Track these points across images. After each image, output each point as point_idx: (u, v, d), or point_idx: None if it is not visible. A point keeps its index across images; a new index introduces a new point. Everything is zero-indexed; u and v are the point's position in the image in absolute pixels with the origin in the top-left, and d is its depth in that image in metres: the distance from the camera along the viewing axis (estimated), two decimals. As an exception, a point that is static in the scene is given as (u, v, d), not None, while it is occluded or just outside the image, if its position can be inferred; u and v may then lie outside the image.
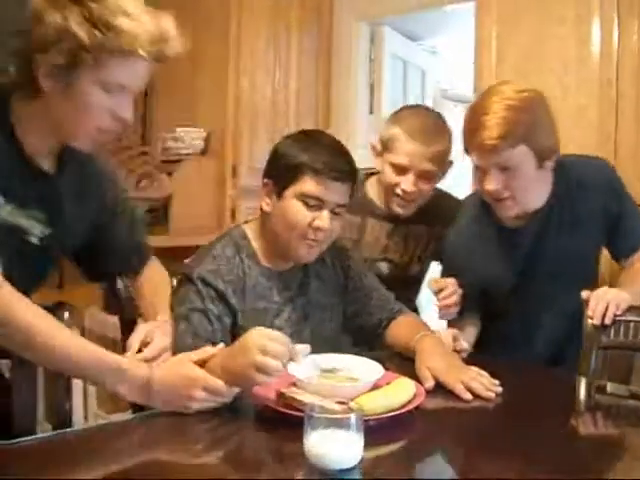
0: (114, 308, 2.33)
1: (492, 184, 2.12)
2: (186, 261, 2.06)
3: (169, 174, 4.26)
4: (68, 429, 1.71)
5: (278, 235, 1.98)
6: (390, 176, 2.42)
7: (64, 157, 1.76)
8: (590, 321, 2.09)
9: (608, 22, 3.16)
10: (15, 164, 1.64)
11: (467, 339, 2.31)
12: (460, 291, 2.27)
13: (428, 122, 2.41)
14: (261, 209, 2.03)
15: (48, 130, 1.65)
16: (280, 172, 1.97)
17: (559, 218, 2.25)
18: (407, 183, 2.37)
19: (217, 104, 4.36)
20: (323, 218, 1.93)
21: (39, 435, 1.62)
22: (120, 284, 2.17)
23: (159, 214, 4.26)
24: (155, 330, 1.79)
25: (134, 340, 1.75)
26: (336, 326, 2.15)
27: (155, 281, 2.08)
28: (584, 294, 2.11)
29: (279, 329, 1.89)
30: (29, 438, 1.52)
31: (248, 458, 1.49)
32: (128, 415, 1.94)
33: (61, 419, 1.78)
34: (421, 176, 2.37)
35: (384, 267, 2.57)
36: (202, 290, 1.90)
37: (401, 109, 2.58)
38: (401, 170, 2.38)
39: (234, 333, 1.92)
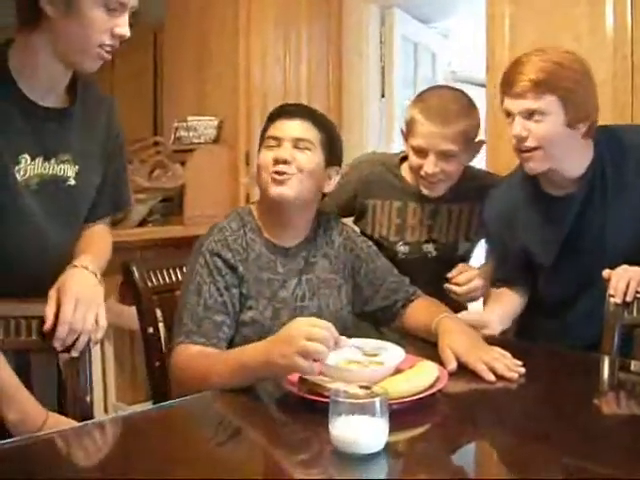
0: (130, 299, 2.33)
1: (517, 128, 2.10)
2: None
3: (182, 163, 4.26)
4: (91, 421, 1.71)
5: (261, 192, 2.07)
6: (413, 159, 2.40)
7: (75, 91, 1.86)
8: (612, 299, 2.08)
9: (621, 0, 3.13)
10: (26, 118, 1.73)
11: (506, 313, 2.32)
12: (479, 282, 2.30)
13: (447, 102, 2.37)
14: None
15: (54, 60, 1.72)
16: (260, 142, 2.12)
17: (603, 185, 2.20)
18: (428, 165, 2.33)
19: (228, 92, 4.36)
20: (281, 151, 2.00)
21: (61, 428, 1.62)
22: (136, 274, 2.16)
23: (173, 204, 4.27)
24: (61, 296, 1.72)
25: (48, 312, 1.70)
26: (343, 305, 2.16)
27: (93, 236, 2.03)
28: (605, 273, 2.09)
29: (284, 301, 1.99)
30: (53, 431, 1.53)
31: (273, 445, 1.48)
32: (148, 405, 1.94)
33: (84, 412, 1.78)
34: (442, 157, 2.33)
35: (431, 249, 2.56)
36: (209, 262, 1.94)
37: (423, 91, 2.55)
38: (421, 152, 2.35)
39: (240, 303, 1.96)
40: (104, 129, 1.97)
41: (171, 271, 2.26)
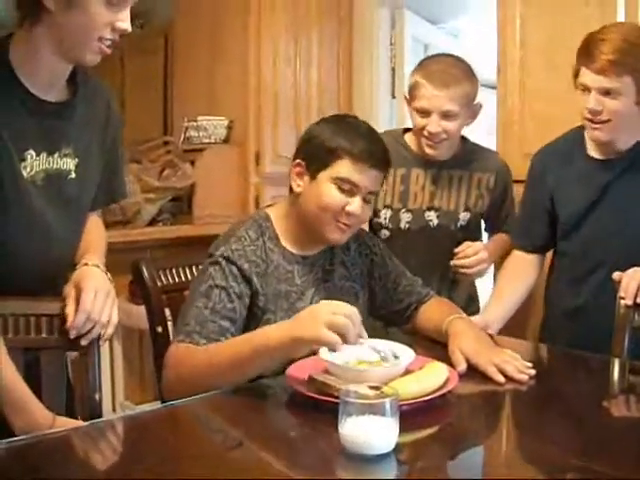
0: (139, 298, 2.33)
1: (592, 102, 2.20)
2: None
3: (192, 163, 4.26)
4: (99, 419, 1.71)
5: (309, 216, 1.97)
6: (417, 120, 2.54)
7: (75, 85, 1.84)
8: (622, 301, 2.08)
9: (632, 1, 3.13)
10: (30, 113, 1.72)
11: (512, 302, 2.46)
12: (485, 254, 2.46)
13: (447, 66, 2.52)
14: (290, 190, 2.03)
15: (55, 56, 1.71)
16: (315, 154, 1.96)
17: None
18: (432, 124, 2.48)
19: (238, 92, 4.34)
20: (355, 203, 1.93)
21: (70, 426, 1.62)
22: (145, 273, 2.16)
23: (183, 203, 4.26)
24: (81, 286, 1.75)
25: (69, 311, 1.73)
26: (360, 312, 2.13)
27: (92, 232, 2.02)
28: (616, 275, 2.09)
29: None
30: (60, 429, 1.53)
31: (281, 445, 1.47)
32: (156, 405, 1.94)
33: (93, 410, 1.78)
34: (444, 116, 2.48)
35: (433, 217, 2.64)
36: (225, 268, 1.88)
37: (425, 58, 2.73)
38: (424, 113, 2.49)
39: (253, 314, 1.92)
40: (103, 124, 1.96)
41: (180, 270, 2.25)
